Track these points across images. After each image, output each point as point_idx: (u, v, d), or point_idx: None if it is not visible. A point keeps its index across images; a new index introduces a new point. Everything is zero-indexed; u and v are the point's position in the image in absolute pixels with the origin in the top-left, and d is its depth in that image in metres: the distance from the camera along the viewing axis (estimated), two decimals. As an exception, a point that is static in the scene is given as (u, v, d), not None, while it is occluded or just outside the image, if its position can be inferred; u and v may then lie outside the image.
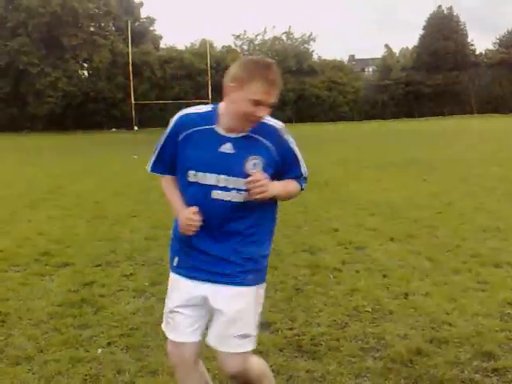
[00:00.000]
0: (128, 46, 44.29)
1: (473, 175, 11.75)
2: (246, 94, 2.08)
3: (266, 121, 2.21)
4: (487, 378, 3.10)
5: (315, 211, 8.19)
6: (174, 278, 2.40)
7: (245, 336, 2.26)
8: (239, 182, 2.18)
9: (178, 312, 2.34)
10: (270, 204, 2.30)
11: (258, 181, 2.10)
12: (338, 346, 3.52)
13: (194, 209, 2.20)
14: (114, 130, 42.43)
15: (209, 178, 2.20)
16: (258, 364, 2.43)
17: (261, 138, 2.21)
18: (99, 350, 3.56)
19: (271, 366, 3.26)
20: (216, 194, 2.20)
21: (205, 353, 2.76)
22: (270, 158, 2.21)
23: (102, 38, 47.28)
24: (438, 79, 52.96)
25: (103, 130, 42.31)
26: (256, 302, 2.30)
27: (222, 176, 2.19)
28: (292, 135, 2.32)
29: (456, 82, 53.39)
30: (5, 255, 6.11)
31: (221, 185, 2.20)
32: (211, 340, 2.32)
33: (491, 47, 59.14)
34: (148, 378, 3.20)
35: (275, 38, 56.90)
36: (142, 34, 51.69)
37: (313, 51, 58.11)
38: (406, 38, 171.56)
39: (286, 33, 57.44)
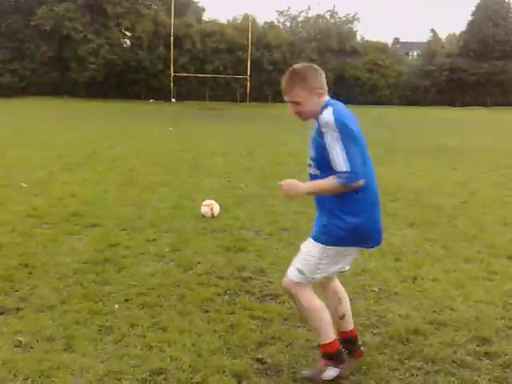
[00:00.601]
0: (170, 17, 44.44)
1: (502, 166, 11.60)
2: None
3: (320, 114, 2.77)
4: (478, 361, 3.22)
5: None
6: None
7: (292, 265, 2.98)
8: None
9: None
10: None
11: (287, 183, 2.77)
12: (340, 320, 3.69)
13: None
14: (151, 100, 42.77)
15: None
16: (306, 299, 2.94)
17: (314, 129, 2.88)
18: (116, 306, 3.84)
19: (274, 333, 3.49)
20: None
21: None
22: (320, 147, 2.79)
23: (145, 7, 47.49)
24: (483, 68, 51.32)
25: (141, 100, 42.80)
26: (312, 252, 2.89)
27: None
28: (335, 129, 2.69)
29: (502, 71, 51.70)
30: (38, 213, 6.48)
31: None
32: None
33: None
34: (159, 333, 3.46)
35: (318, 17, 55.88)
36: (185, 6, 51.68)
37: (356, 31, 57.03)
38: (453, 23, 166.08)
39: (329, 11, 56.46)
